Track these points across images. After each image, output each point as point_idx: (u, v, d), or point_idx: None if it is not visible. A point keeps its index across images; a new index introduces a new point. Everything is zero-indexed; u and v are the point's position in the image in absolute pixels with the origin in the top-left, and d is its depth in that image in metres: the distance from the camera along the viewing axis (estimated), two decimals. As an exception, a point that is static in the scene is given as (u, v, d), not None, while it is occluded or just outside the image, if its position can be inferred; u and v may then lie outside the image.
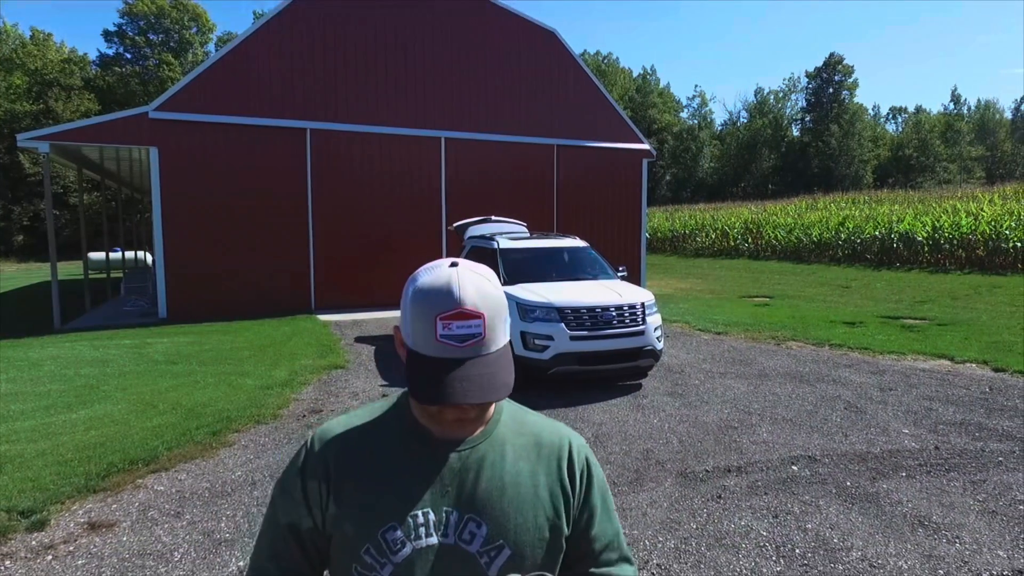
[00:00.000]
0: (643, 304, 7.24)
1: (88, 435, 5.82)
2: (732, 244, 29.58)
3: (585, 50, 75.93)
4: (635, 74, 74.78)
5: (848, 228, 24.39)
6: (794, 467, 4.90)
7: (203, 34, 55.10)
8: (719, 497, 4.38)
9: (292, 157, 13.78)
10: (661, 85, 74.65)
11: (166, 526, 4.08)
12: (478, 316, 0.95)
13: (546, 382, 7.13)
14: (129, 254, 26.09)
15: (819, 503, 4.25)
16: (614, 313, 7.05)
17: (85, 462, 5.10)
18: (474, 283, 0.98)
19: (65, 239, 37.13)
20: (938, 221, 21.34)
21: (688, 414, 6.34)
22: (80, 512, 4.31)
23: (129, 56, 52.79)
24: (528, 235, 10.07)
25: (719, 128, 75.96)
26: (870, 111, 74.68)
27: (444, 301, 0.96)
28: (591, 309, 7.00)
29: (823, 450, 5.26)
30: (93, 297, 16.25)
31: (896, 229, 22.03)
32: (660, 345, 7.34)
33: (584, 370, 6.99)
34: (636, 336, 7.05)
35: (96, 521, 4.15)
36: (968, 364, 8.28)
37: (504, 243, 8.69)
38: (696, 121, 75.01)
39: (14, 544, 3.87)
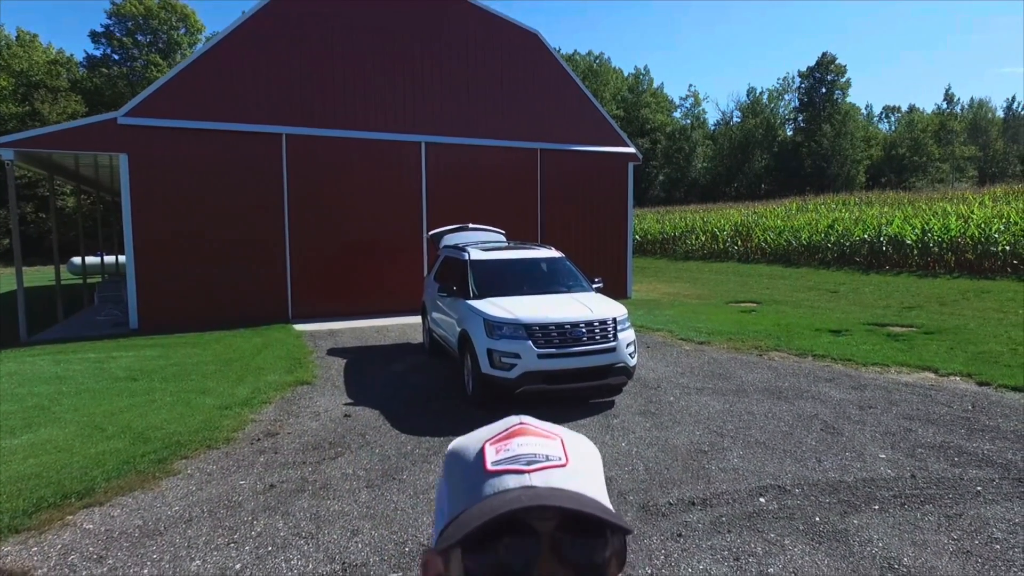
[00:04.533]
0: (615, 319, 6.99)
1: (26, 464, 5.53)
2: (722, 247, 29.40)
3: (576, 50, 75.75)
4: (627, 74, 74.60)
5: (837, 231, 24.22)
6: (762, 499, 4.65)
7: (192, 35, 54.61)
8: (679, 535, 4.13)
9: (267, 163, 13.47)
10: (654, 85, 74.50)
11: (84, 574, 3.79)
12: (551, 436, 0.68)
13: (514, 401, 6.87)
14: (110, 259, 25.71)
15: (784, 542, 4.01)
16: (584, 329, 6.79)
17: (14, 497, 4.82)
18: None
19: (49, 244, 36.66)
20: (927, 224, 21.17)
21: (658, 436, 6.09)
22: (-3, 556, 4.02)
23: (117, 57, 52.29)
24: (505, 244, 9.82)
25: (712, 128, 75.87)
26: (863, 110, 74.76)
27: (492, 431, 0.70)
28: (560, 325, 6.75)
29: (795, 478, 5.01)
30: (67, 306, 15.91)
31: (885, 232, 21.85)
32: (632, 362, 7.09)
33: (552, 388, 6.74)
34: (607, 353, 6.80)
35: (10, 569, 3.87)
36: (952, 377, 8.06)
37: (475, 254, 8.43)
38: (689, 121, 74.88)
39: (-84, 596, 3.59)
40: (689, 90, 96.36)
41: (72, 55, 53.32)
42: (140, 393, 7.89)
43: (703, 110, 79.97)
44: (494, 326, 6.79)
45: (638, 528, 4.25)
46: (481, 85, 15.52)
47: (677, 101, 78.61)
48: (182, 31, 54.20)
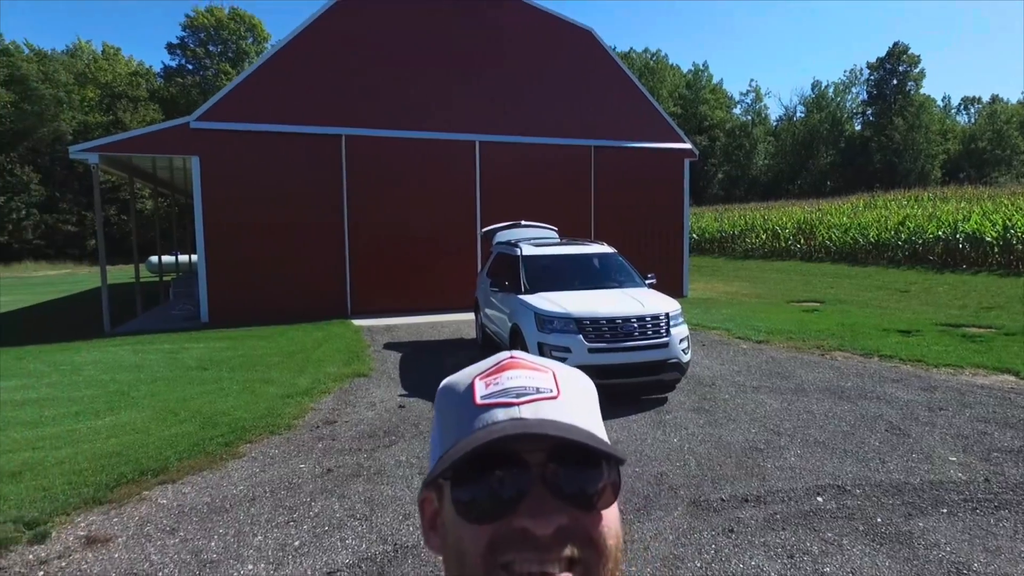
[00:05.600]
0: (667, 314, 6.90)
1: (108, 443, 5.95)
2: (783, 245, 28.41)
3: (631, 48, 74.74)
4: (685, 71, 73.04)
5: (909, 228, 22.99)
6: (819, 498, 4.50)
7: (258, 43, 57.00)
8: (731, 531, 4.06)
9: (328, 163, 13.96)
10: (713, 81, 72.67)
11: (159, 543, 4.06)
12: (543, 369, 0.66)
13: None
14: (184, 258, 27.15)
15: (842, 542, 3.87)
16: (635, 324, 6.74)
17: (98, 472, 5.19)
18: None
19: (130, 244, 39.08)
20: (1010, 220, 19.83)
21: (712, 433, 5.97)
22: (82, 525, 4.35)
23: (191, 67, 55.18)
24: (557, 240, 9.85)
25: (774, 124, 73.33)
26: (939, 102, 70.65)
27: (482, 367, 0.68)
28: (611, 320, 6.71)
29: (855, 479, 4.82)
30: (146, 301, 16.92)
31: (962, 228, 20.60)
32: (686, 358, 6.98)
33: (604, 384, 6.70)
34: (659, 348, 6.72)
35: (94, 535, 4.18)
36: (1034, 381, 7.55)
37: (527, 250, 8.48)
38: (750, 117, 72.65)
39: (13, 557, 3.93)
40: (750, 85, 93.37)
41: (151, 66, 56.64)
42: (210, 381, 8.33)
43: (764, 106, 77.42)
44: (545, 320, 6.82)
45: (688, 523, 4.19)
46: (535, 83, 15.58)
47: (737, 97, 76.21)
48: (250, 40, 56.65)
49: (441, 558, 0.63)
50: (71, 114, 46.56)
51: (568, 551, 0.56)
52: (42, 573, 3.73)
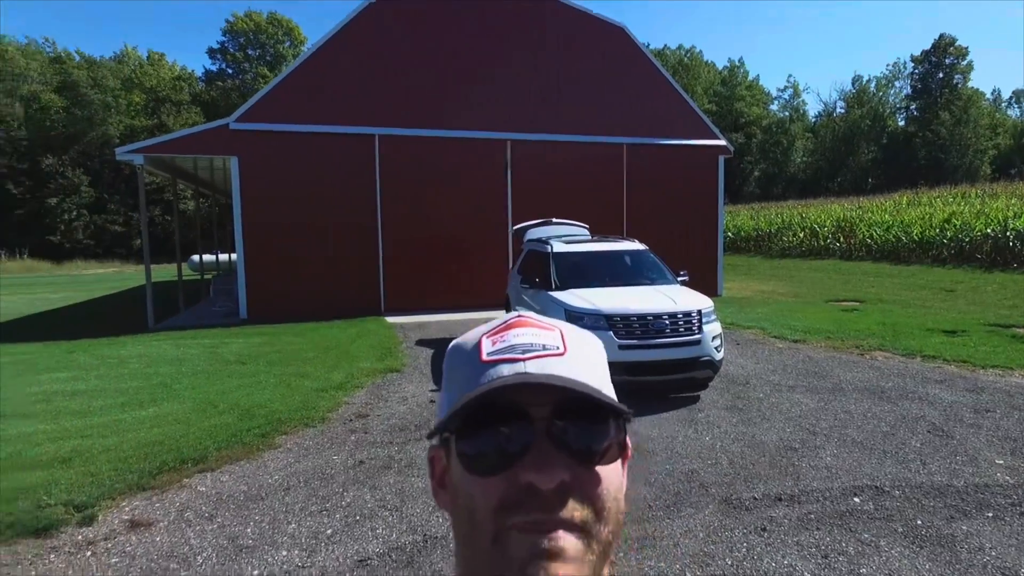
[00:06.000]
0: (699, 311, 6.81)
1: (151, 432, 6.16)
2: (822, 243, 27.70)
3: (666, 45, 73.91)
4: (720, 67, 71.85)
5: (955, 225, 22.19)
6: (856, 499, 4.39)
7: (295, 47, 58.20)
8: (764, 530, 3.99)
9: (361, 163, 14.17)
10: (749, 77, 71.33)
11: (197, 528, 4.19)
12: (550, 327, 0.65)
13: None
14: (224, 257, 27.90)
15: (880, 543, 3.77)
16: (667, 321, 6.67)
17: (142, 460, 5.38)
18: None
19: (172, 244, 40.38)
20: (1065, 217, 18.98)
21: (745, 432, 5.88)
22: (127, 509, 4.52)
23: (230, 71, 56.70)
24: (588, 238, 9.81)
25: (813, 120, 71.57)
26: (988, 96, 67.94)
27: (490, 326, 0.67)
28: (642, 316, 6.66)
29: (894, 480, 4.69)
30: (187, 298, 17.45)
31: (1013, 226, 19.80)
32: (719, 356, 6.88)
33: (634, 381, 6.66)
34: (691, 346, 6.64)
35: (138, 519, 4.34)
36: (1089, 383, 7.22)
37: (558, 247, 8.48)
38: (787, 113, 71.06)
39: (63, 538, 4.11)
40: (788, 81, 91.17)
41: (192, 71, 58.36)
42: (247, 375, 8.55)
43: (803, 101, 75.93)
44: (575, 316, 6.81)
45: (719, 520, 4.14)
46: (567, 81, 15.54)
47: (774, 93, 74.61)
48: (287, 44, 57.90)
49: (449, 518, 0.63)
50: (118, 118, 48.30)
51: (571, 510, 0.55)
52: (89, 553, 3.89)
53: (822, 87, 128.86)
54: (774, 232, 31.20)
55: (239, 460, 5.44)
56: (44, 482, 4.90)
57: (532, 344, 0.61)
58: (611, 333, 6.63)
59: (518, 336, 0.62)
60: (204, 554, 3.84)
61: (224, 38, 56.70)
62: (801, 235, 29.28)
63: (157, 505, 4.58)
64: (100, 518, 4.37)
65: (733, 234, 33.29)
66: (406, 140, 14.50)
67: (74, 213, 44.93)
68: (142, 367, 9.23)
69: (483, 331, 0.65)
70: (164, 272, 33.38)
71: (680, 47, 71.56)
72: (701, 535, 3.95)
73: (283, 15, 57.33)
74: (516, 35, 15.12)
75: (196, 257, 29.54)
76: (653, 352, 6.61)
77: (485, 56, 14.90)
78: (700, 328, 6.74)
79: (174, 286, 17.84)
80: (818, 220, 29.55)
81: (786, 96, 73.41)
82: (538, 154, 15.49)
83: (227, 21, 56.09)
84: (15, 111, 44.70)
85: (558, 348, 0.61)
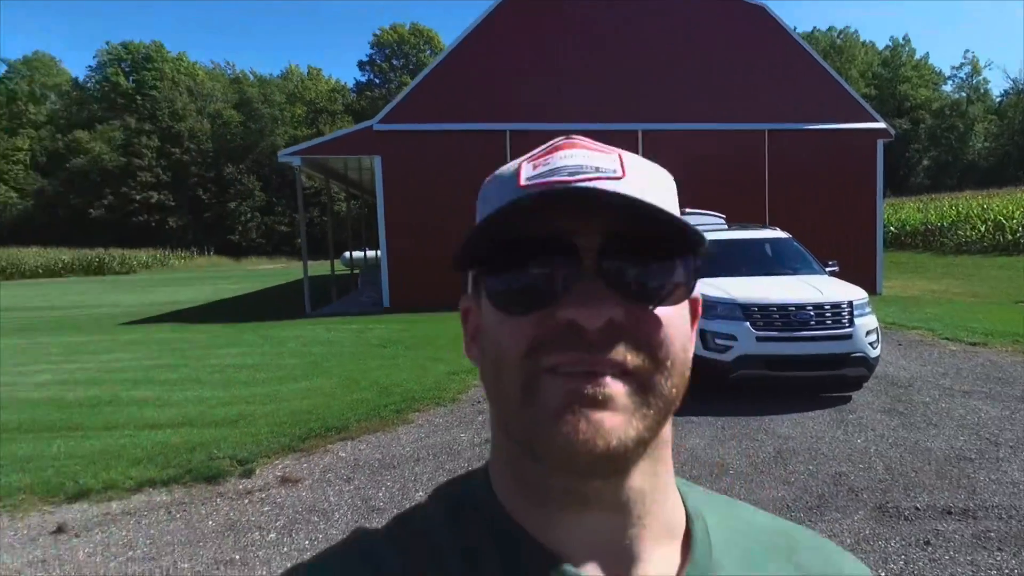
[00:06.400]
0: (850, 303, 6.16)
1: (303, 403, 6.77)
2: (1010, 238, 23.98)
3: (815, 28, 67.90)
4: (881, 47, 64.81)
5: None
6: (1051, 519, 3.72)
7: (435, 54, 61.25)
8: (927, 543, 3.50)
9: (492, 159, 14.42)
10: (916, 56, 63.59)
11: (336, 488, 4.52)
12: (607, 151, 0.50)
13: (729, 387, 6.44)
14: (372, 253, 30.10)
15: (1082, 571, 3.16)
16: (811, 312, 6.11)
17: (294, 426, 5.92)
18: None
19: (327, 243, 44.38)
20: None
21: (906, 437, 5.22)
22: (279, 467, 4.99)
23: (378, 81, 60.97)
24: (725, 227, 9.30)
25: (997, 100, 62.21)
26: None
27: (533, 152, 0.53)
28: (782, 307, 6.15)
29: (1104, 502, 3.91)
30: (339, 289, 19.04)
31: None
32: (874, 353, 6.18)
33: (774, 376, 6.18)
34: (840, 340, 6.02)
35: (288, 476, 4.77)
36: None
37: (691, 235, 8.09)
38: (964, 94, 62.39)
39: (227, 486, 4.63)
40: (965, 57, 79.78)
41: (345, 83, 63.58)
42: (387, 357, 9.12)
43: (984, 80, 65.87)
44: (707, 305, 6.42)
45: (871, 528, 3.70)
46: (702, 66, 14.84)
47: (948, 72, 65.87)
48: (427, 52, 61.09)
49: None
50: (284, 129, 53.89)
51: (622, 354, 0.43)
52: (247, 500, 4.34)
53: (1010, 62, 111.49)
54: (947, 226, 27.52)
55: (376, 431, 5.80)
56: (215, 439, 5.56)
57: (583, 166, 0.48)
58: (747, 324, 6.19)
59: (565, 158, 0.49)
60: (340, 511, 4.13)
61: (372, 51, 61.13)
62: (982, 229, 25.57)
63: (304, 465, 5.01)
64: (257, 472, 4.86)
65: (896, 228, 29.83)
66: (536, 135, 14.61)
67: (249, 215, 50.83)
68: (298, 347, 10.18)
69: (524, 157, 0.53)
70: (320, 267, 36.69)
71: (831, 28, 65.56)
72: (848, 541, 3.55)
73: (424, 25, 60.65)
74: (649, 22, 14.70)
75: (347, 253, 32.15)
76: (796, 346, 6.08)
77: (616, 45, 14.65)
78: (851, 321, 6.09)
79: (328, 279, 19.54)
80: (1005, 212, 25.65)
81: (962, 75, 64.45)
82: (671, 144, 14.93)
83: (374, 35, 60.51)
84: (204, 127, 51.50)
85: (616, 172, 0.47)
